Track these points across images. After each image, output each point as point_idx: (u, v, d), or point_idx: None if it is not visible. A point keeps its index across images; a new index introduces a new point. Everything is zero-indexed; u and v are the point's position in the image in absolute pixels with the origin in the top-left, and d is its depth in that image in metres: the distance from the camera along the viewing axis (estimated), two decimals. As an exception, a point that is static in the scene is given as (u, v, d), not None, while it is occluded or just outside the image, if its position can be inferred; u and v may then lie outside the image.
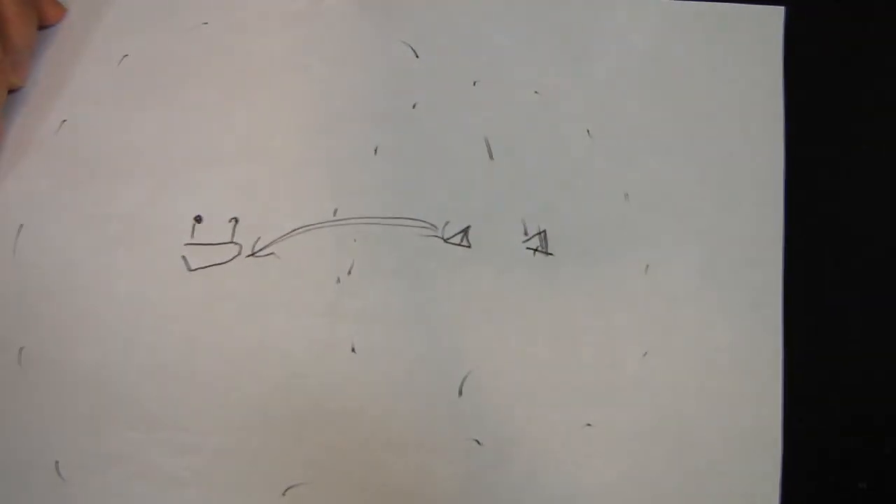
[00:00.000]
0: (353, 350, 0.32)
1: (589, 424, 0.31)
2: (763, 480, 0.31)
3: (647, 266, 0.32)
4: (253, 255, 0.33)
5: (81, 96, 0.34)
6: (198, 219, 0.33)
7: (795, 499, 0.31)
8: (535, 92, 0.34)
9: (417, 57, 0.35)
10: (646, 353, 0.32)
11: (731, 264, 0.32)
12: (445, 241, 0.33)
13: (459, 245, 0.33)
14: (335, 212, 0.33)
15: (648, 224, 0.33)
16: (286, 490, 0.31)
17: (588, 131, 0.34)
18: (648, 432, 0.31)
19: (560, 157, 0.33)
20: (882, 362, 0.33)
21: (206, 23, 0.35)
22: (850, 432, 0.32)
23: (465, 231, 0.33)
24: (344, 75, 0.34)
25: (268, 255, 0.33)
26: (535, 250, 0.33)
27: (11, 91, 0.34)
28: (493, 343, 0.32)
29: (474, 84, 0.34)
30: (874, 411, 0.33)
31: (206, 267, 0.33)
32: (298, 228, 0.33)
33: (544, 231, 0.33)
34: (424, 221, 0.33)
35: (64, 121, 0.34)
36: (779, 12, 0.35)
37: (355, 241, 0.32)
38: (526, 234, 0.33)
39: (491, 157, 0.33)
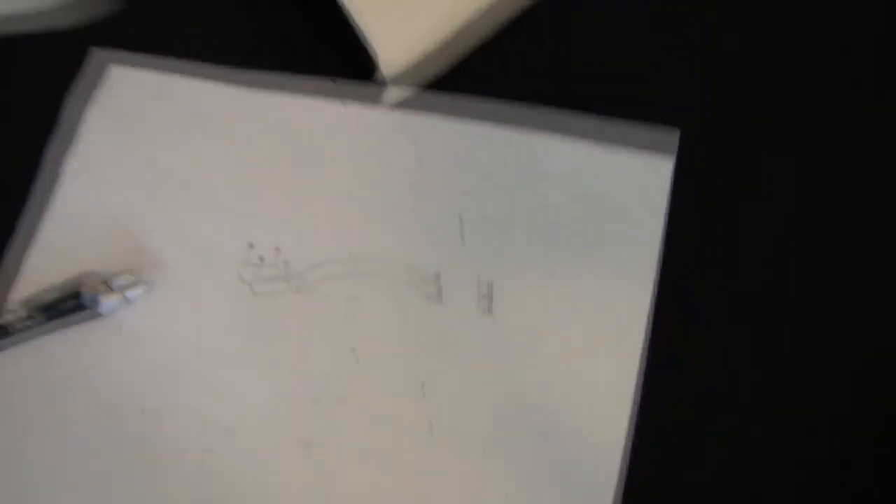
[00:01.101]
0: (356, 362, 0.41)
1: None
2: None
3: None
4: (289, 281, 0.42)
5: (166, 140, 0.43)
6: (250, 245, 0.42)
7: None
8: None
9: (421, 164, 0.43)
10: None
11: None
12: (425, 287, 0.42)
13: (434, 291, 0.42)
14: (351, 252, 0.42)
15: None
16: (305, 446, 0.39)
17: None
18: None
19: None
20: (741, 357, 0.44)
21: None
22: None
23: (437, 277, 0.42)
24: (369, 164, 0.43)
25: (300, 283, 0.42)
26: (485, 303, 0.41)
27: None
28: (444, 360, 0.41)
29: (466, 193, 0.42)
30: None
31: (252, 290, 0.41)
32: (323, 263, 0.42)
33: (492, 284, 0.41)
34: (415, 268, 0.42)
35: (150, 157, 0.42)
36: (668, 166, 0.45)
37: (367, 278, 0.41)
38: (479, 288, 0.42)
39: (462, 235, 0.43)
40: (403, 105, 0.42)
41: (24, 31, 0.46)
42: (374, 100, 0.41)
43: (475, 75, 0.44)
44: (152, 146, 0.41)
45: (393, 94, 0.41)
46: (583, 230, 0.38)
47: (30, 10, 0.46)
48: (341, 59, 0.44)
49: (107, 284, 0.38)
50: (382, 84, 0.42)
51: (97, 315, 0.38)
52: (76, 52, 0.45)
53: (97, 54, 0.44)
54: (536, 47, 0.46)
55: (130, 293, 0.39)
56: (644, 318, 0.39)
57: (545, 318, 0.38)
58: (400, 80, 0.41)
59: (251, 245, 0.41)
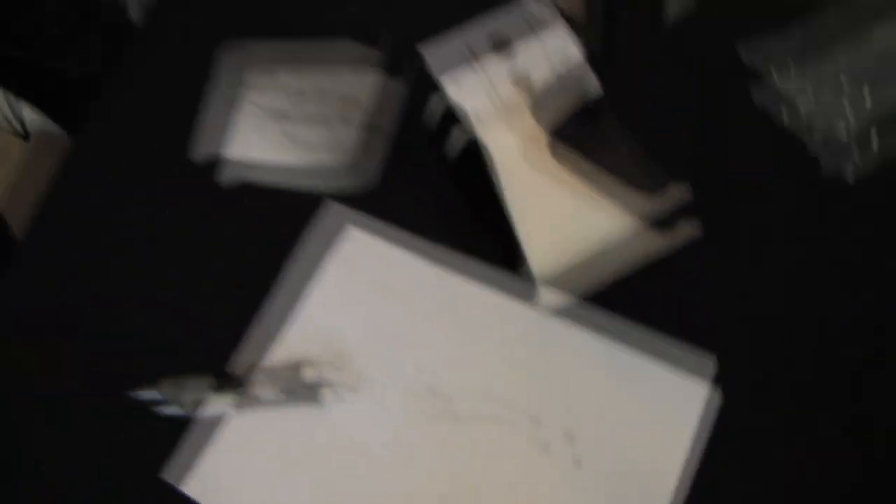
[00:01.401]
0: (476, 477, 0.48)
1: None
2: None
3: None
4: (445, 414, 0.50)
5: (377, 289, 0.55)
6: (418, 375, 0.51)
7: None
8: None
9: (542, 348, 0.52)
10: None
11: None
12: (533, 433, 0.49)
13: (541, 441, 0.48)
14: (485, 396, 0.50)
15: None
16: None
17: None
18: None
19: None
20: None
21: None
22: None
23: (541, 427, 0.49)
24: (511, 340, 0.52)
25: (447, 413, 0.50)
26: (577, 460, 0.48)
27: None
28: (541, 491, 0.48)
29: (567, 375, 0.51)
30: None
31: (413, 409, 0.51)
32: (465, 400, 0.51)
33: (571, 435, 0.48)
34: (526, 419, 0.49)
35: (364, 299, 0.55)
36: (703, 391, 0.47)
37: (491, 421, 0.50)
38: (571, 440, 0.48)
39: (563, 403, 0.50)
40: (545, 305, 0.53)
41: (284, 184, 0.58)
42: (528, 296, 0.53)
43: (620, 294, 0.51)
44: (366, 291, 0.56)
45: (542, 296, 0.52)
46: (638, 414, 0.49)
47: (305, 170, 0.59)
48: (507, 253, 0.53)
49: (327, 382, 0.52)
50: (532, 282, 0.52)
51: (315, 402, 0.52)
52: (311, 203, 0.57)
53: (336, 208, 0.58)
54: (662, 283, 0.50)
55: (340, 392, 0.52)
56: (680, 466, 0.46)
57: (616, 459, 0.48)
58: (548, 282, 0.52)
59: (419, 376, 0.53)
